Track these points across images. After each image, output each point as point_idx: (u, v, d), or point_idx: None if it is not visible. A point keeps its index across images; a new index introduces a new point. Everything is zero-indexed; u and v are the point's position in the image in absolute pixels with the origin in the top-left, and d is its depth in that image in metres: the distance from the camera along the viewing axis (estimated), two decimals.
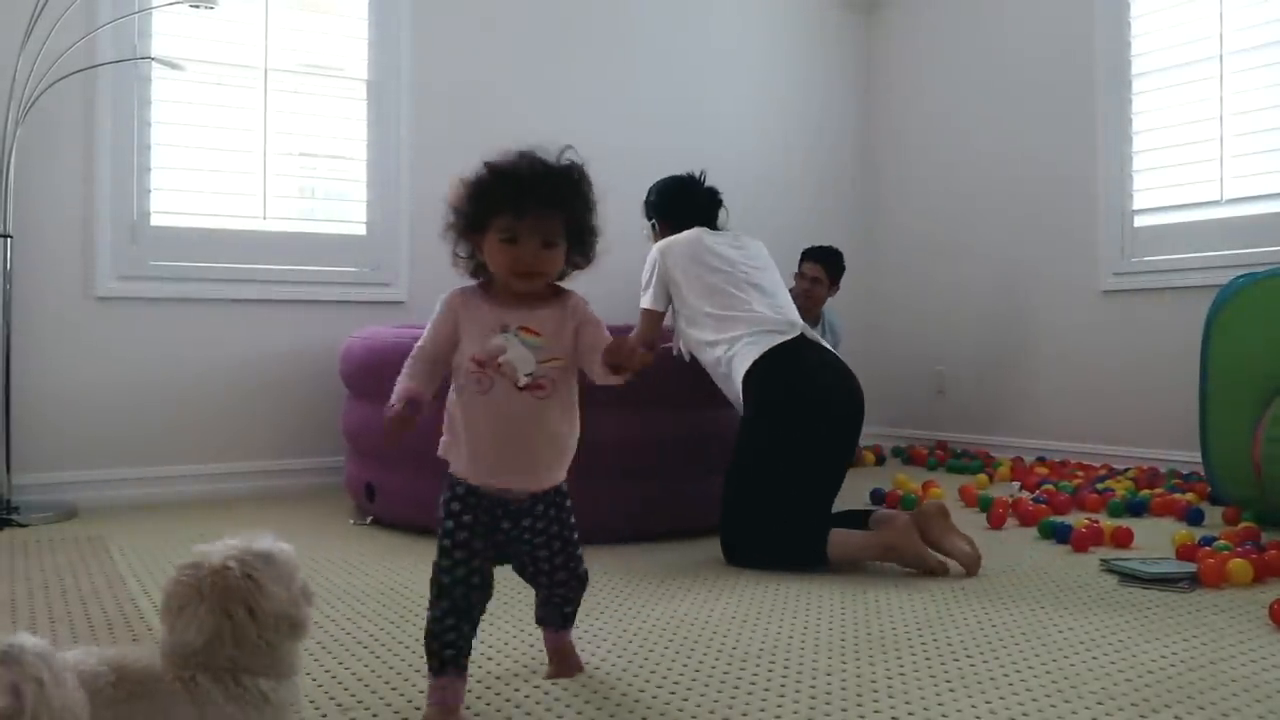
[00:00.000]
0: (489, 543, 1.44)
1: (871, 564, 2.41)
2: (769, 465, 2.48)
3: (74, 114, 3.32)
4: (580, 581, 1.57)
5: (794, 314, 2.77)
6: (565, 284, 1.51)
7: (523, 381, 1.38)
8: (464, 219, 1.41)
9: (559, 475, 1.48)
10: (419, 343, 1.45)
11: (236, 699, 1.01)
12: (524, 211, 1.37)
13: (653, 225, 3.01)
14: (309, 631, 1.11)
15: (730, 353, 2.60)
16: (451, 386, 1.45)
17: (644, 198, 3.06)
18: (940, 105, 4.95)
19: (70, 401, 3.32)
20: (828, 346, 2.74)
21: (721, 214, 2.96)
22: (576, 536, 1.52)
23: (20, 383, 3.16)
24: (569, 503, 1.52)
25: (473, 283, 1.48)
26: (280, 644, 1.05)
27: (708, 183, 2.99)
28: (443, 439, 1.46)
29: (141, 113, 3.47)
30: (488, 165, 1.40)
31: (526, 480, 1.43)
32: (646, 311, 2.81)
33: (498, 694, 1.51)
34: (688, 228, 2.85)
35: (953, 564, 2.35)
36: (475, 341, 1.39)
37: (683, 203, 2.95)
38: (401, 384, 1.43)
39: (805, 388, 2.54)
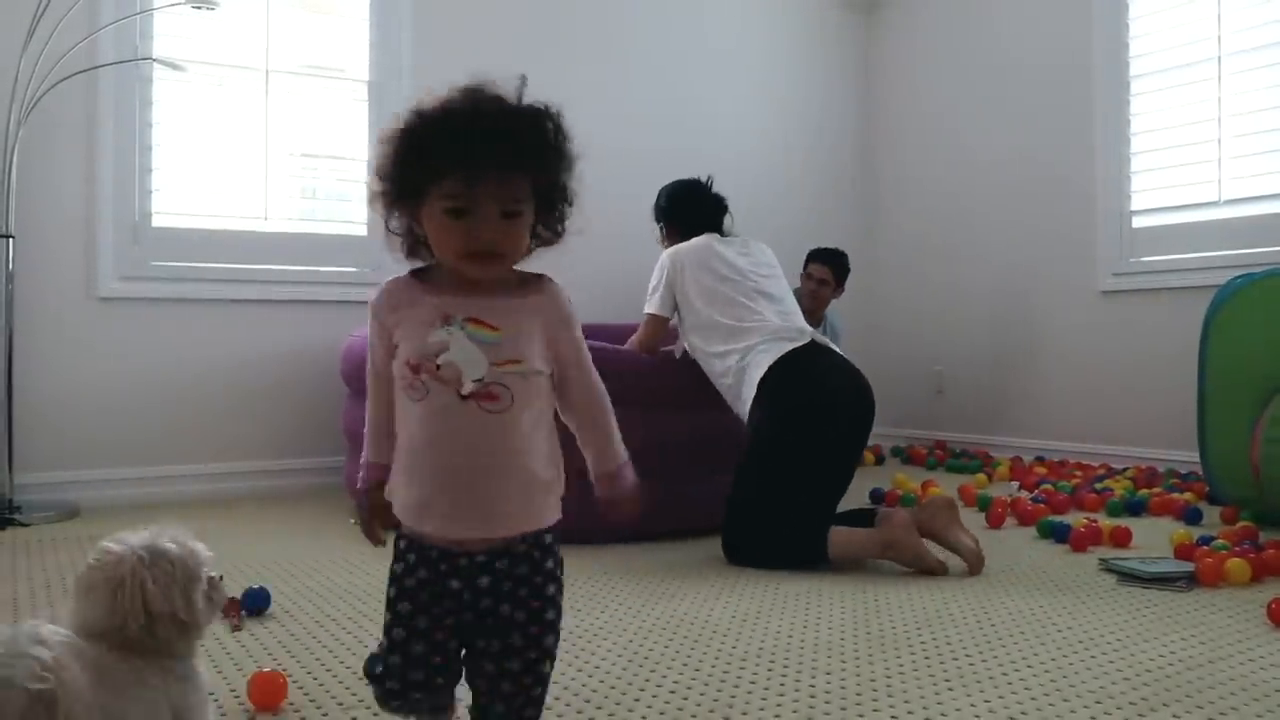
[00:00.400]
0: (439, 617, 1.08)
1: (871, 563, 2.42)
2: (778, 469, 2.50)
3: (76, 115, 3.33)
4: (536, 699, 1.09)
5: (801, 320, 2.79)
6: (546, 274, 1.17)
7: (468, 388, 1.04)
8: (394, 186, 1.07)
9: (532, 520, 1.09)
10: (368, 368, 1.17)
11: (165, 675, 1.06)
12: (477, 173, 1.02)
13: (661, 228, 3.04)
14: (201, 632, 1.12)
15: (744, 362, 2.62)
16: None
17: (654, 200, 3.08)
18: (939, 106, 4.96)
19: (72, 401, 3.32)
20: (837, 350, 2.75)
21: (727, 220, 2.99)
22: (556, 621, 1.10)
23: (22, 383, 3.17)
24: (556, 569, 1.11)
25: (404, 274, 1.13)
26: (170, 637, 1.07)
27: (716, 188, 3.02)
28: (392, 470, 1.14)
29: (143, 113, 3.48)
30: (420, 113, 1.07)
31: (476, 525, 1.06)
32: (651, 316, 2.84)
33: None
34: (696, 232, 2.88)
35: (954, 563, 2.36)
36: (412, 340, 1.06)
37: (690, 208, 2.98)
38: (366, 458, 1.17)
39: (815, 392, 2.56)
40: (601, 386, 1.17)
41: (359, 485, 1.19)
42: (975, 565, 2.33)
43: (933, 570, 2.32)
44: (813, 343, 2.65)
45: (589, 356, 1.15)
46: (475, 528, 1.06)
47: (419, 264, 1.12)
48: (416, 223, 1.08)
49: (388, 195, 1.08)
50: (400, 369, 1.07)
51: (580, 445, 1.17)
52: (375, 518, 1.16)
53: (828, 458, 2.53)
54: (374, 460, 1.16)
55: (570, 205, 1.11)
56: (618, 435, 1.18)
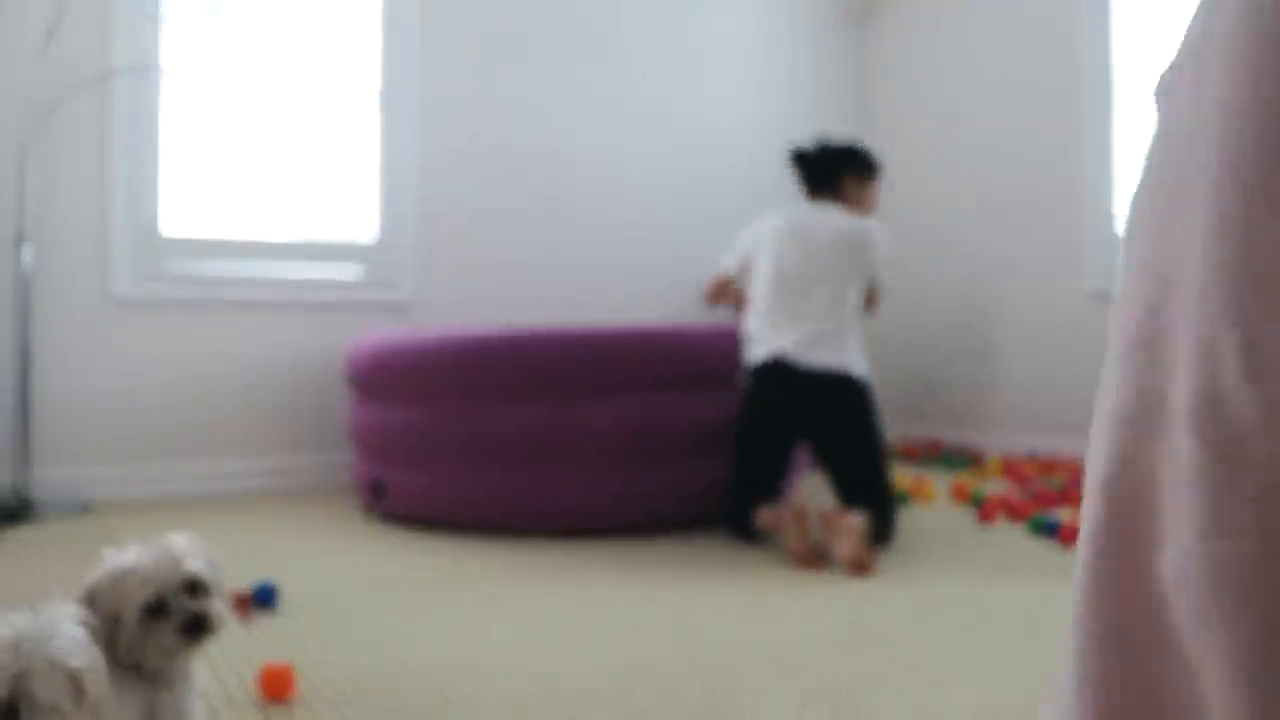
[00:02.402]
0: None
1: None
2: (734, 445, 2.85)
3: (90, 121, 3.39)
4: None
5: (803, 326, 2.82)
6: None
7: None
8: None
9: None
10: None
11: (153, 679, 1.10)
12: None
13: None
14: (171, 656, 1.14)
15: (749, 346, 2.90)
16: None
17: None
18: (932, 111, 5.01)
19: (87, 400, 3.39)
20: (811, 360, 2.79)
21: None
22: None
23: (39, 382, 3.24)
24: None
25: None
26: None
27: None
28: None
29: (155, 120, 3.55)
30: None
31: None
32: (723, 273, 3.18)
33: (497, 686, 1.58)
34: (803, 191, 3.10)
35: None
36: None
37: (796, 170, 3.14)
38: None
39: (759, 388, 2.80)
40: None
41: None
42: (796, 560, 2.44)
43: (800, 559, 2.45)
44: (783, 358, 2.75)
45: None
46: None
47: None
48: None
49: None
50: None
51: None
52: None
53: (751, 434, 2.79)
54: None
55: None
56: None
